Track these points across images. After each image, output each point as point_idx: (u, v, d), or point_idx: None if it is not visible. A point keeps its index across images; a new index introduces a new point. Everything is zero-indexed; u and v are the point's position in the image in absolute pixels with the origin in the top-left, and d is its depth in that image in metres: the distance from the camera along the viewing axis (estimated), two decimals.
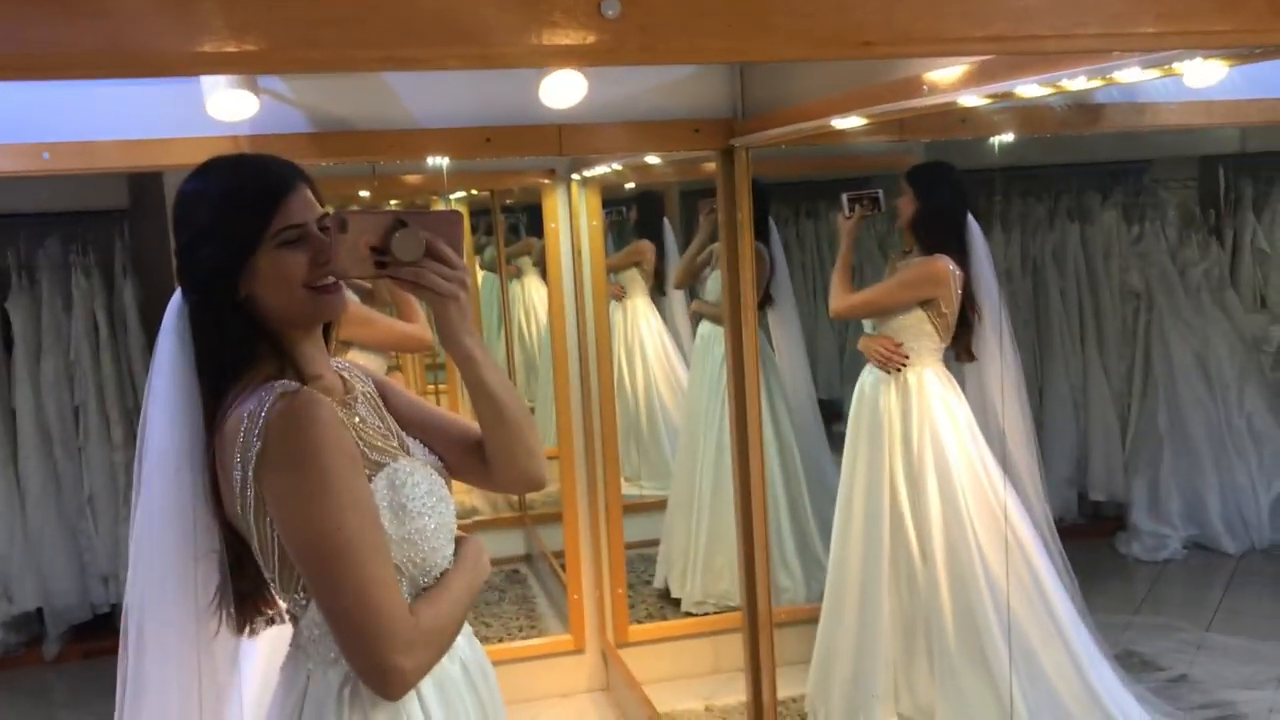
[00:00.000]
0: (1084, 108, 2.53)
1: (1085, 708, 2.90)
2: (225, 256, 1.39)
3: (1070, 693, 2.90)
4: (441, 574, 1.51)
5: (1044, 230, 4.71)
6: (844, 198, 3.16)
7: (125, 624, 1.50)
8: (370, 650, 1.32)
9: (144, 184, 4.24)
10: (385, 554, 1.36)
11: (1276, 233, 4.82)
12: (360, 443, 1.41)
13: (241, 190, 1.41)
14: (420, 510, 1.44)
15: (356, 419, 1.46)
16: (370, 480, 1.40)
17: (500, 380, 1.51)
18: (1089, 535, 4.81)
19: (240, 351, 1.41)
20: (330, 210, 1.45)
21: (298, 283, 1.40)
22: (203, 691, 1.48)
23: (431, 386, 5.41)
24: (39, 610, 4.47)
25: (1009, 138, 2.55)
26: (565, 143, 2.32)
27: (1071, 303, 4.78)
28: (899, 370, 3.05)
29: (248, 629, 1.53)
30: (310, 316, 1.44)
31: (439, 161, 2.79)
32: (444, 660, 1.49)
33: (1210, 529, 4.70)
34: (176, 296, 1.45)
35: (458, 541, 1.54)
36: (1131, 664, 3.46)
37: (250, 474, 1.33)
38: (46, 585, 4.42)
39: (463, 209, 4.76)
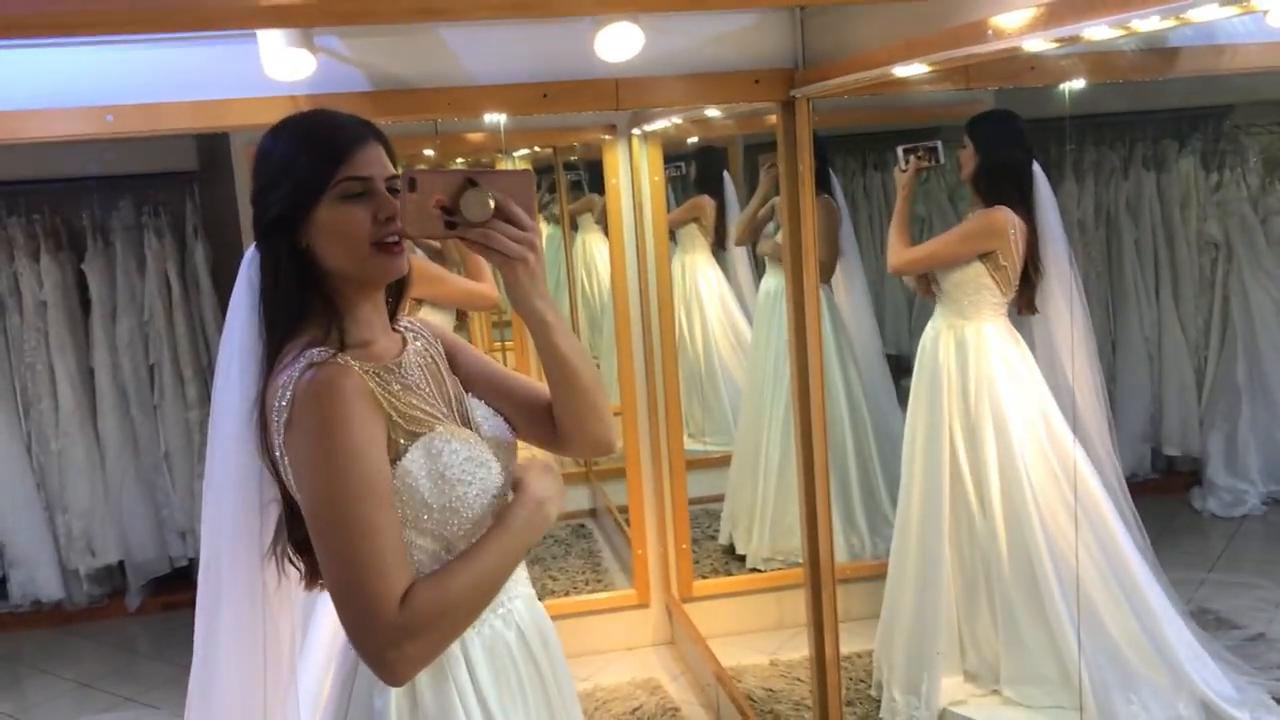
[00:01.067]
0: (1158, 51, 2.44)
1: (1152, 665, 2.85)
2: (288, 204, 1.40)
3: (1136, 650, 2.86)
4: None
5: (1118, 179, 4.58)
6: (899, 150, 3.09)
7: (201, 573, 1.53)
8: (359, 637, 1.33)
9: (213, 146, 4.30)
10: (384, 537, 1.33)
11: None
12: (394, 413, 1.41)
13: (310, 139, 1.41)
14: (460, 477, 1.42)
15: (397, 386, 1.44)
16: (407, 450, 1.40)
17: (572, 344, 1.48)
18: (1163, 491, 4.71)
19: (294, 304, 1.41)
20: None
21: (360, 238, 1.40)
22: (266, 638, 1.51)
23: (499, 344, 5.45)
24: (120, 564, 4.62)
25: (1080, 84, 2.46)
26: (622, 97, 2.29)
27: (1146, 254, 4.65)
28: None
29: (317, 582, 1.52)
30: (371, 274, 1.43)
31: (496, 118, 2.78)
32: (498, 626, 1.49)
33: None
34: (251, 249, 1.46)
35: (518, 486, 1.50)
36: (1206, 621, 3.39)
37: (280, 441, 1.36)
38: (127, 539, 4.56)
39: (526, 166, 4.76)
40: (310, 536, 1.37)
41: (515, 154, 4.83)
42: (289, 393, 1.34)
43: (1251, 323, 4.67)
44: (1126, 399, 4.69)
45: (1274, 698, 3.05)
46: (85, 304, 4.54)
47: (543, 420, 1.57)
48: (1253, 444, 4.68)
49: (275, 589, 1.51)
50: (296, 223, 1.40)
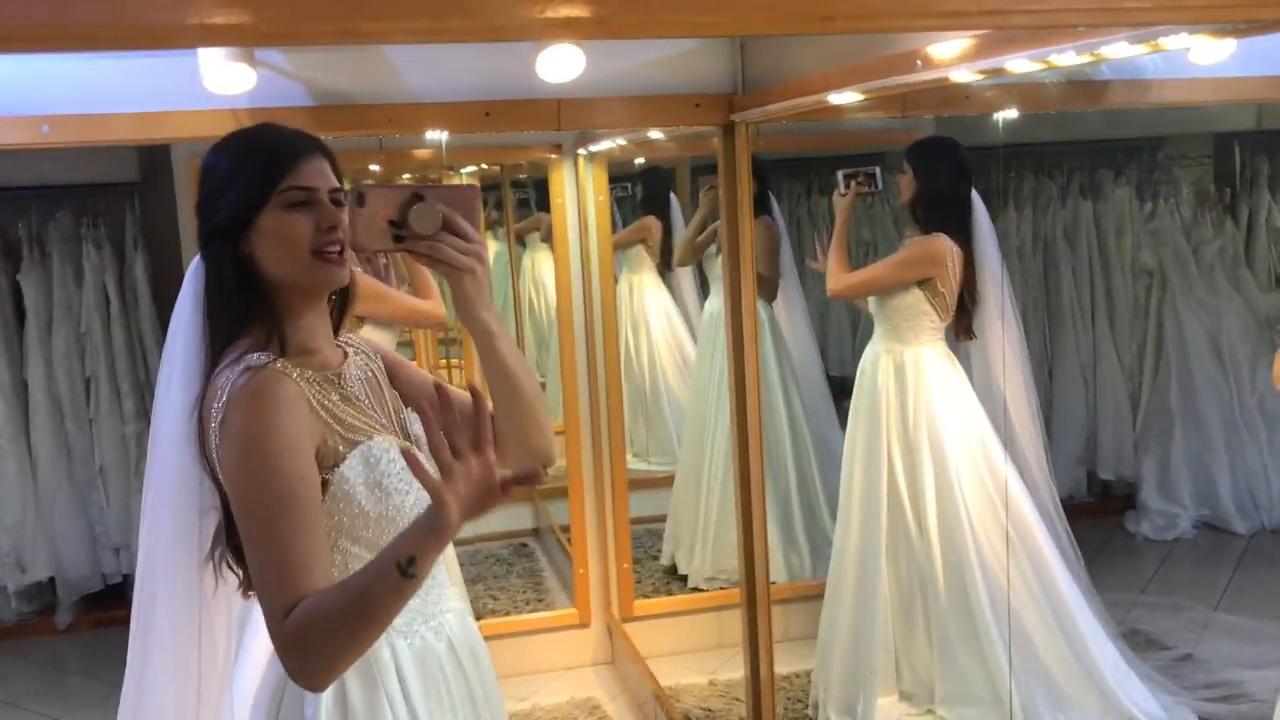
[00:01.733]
0: (1086, 84, 2.50)
1: (1081, 686, 2.91)
2: (232, 212, 1.42)
3: (1065, 671, 2.91)
4: None
5: (1055, 208, 4.68)
6: (839, 174, 3.12)
7: (138, 578, 1.54)
8: (272, 636, 1.34)
9: (154, 157, 4.25)
10: (294, 545, 1.33)
11: None
12: (331, 420, 1.42)
13: (256, 149, 1.43)
14: (397, 487, 1.44)
15: (336, 396, 1.46)
16: (345, 458, 1.41)
17: (515, 356, 1.51)
18: (1098, 514, 4.79)
19: (236, 311, 1.43)
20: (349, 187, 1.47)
21: (301, 246, 1.42)
22: (201, 649, 1.51)
23: (444, 361, 5.43)
24: (51, 580, 4.52)
25: (1012, 114, 2.52)
26: (564, 117, 2.31)
27: (1083, 281, 4.75)
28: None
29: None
30: (312, 281, 1.45)
31: (439, 136, 2.78)
32: (429, 637, 1.50)
33: (1221, 509, 4.68)
34: (196, 259, 1.48)
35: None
36: (1137, 642, 3.45)
37: (216, 443, 1.37)
38: (59, 555, 4.47)
39: (473, 183, 4.75)
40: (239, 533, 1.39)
41: (463, 170, 4.84)
42: (225, 395, 1.36)
43: (1185, 349, 4.78)
44: (1063, 423, 4.77)
45: (1200, 717, 3.12)
46: (20, 315, 4.46)
47: None
48: (1184, 469, 4.78)
49: (212, 595, 1.51)
50: (239, 230, 1.42)
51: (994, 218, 4.57)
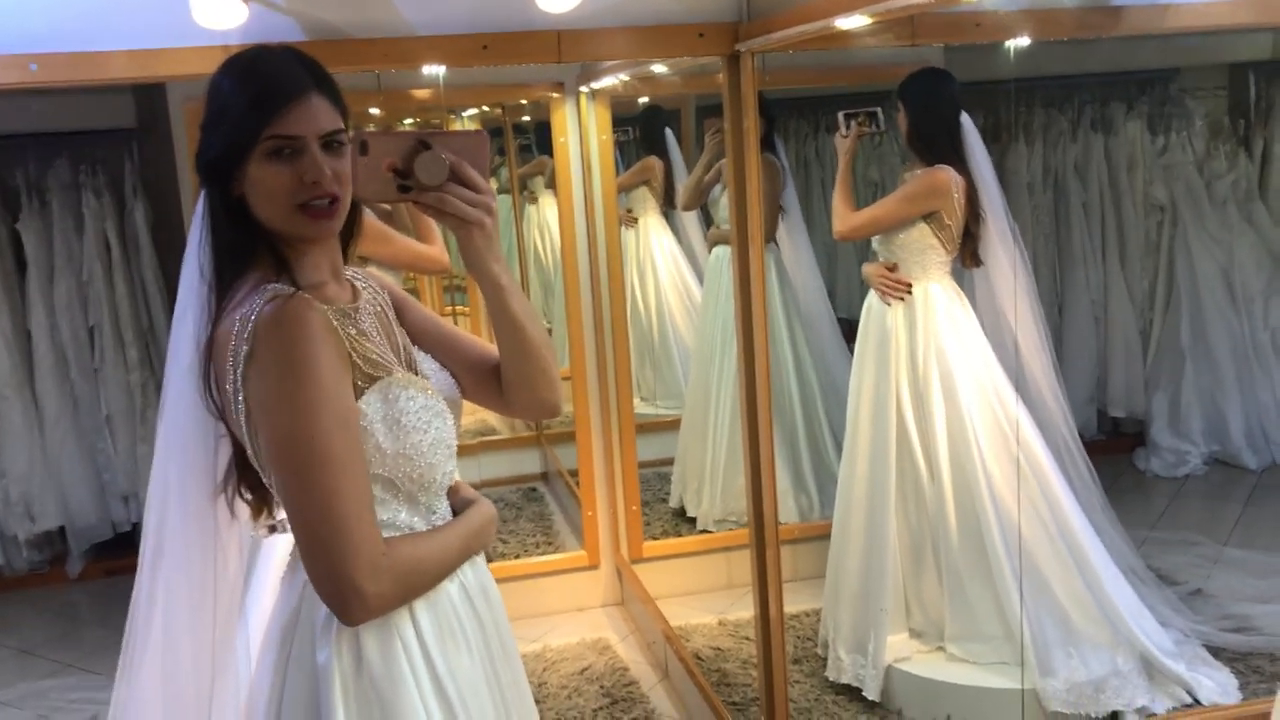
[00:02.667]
0: (1101, 9, 2.44)
1: (1093, 621, 2.90)
2: (221, 153, 1.37)
3: (1078, 607, 2.90)
4: (443, 493, 1.50)
5: (1066, 141, 4.61)
6: (840, 115, 3.07)
7: (149, 509, 1.49)
8: (331, 567, 1.29)
9: (152, 102, 4.20)
10: (362, 471, 1.33)
11: None
12: (354, 354, 1.39)
13: (243, 90, 1.37)
14: (415, 425, 1.41)
15: (354, 330, 1.42)
16: (363, 393, 1.37)
17: (524, 308, 1.48)
18: (1108, 451, 4.77)
19: (237, 247, 1.39)
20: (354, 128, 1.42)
21: (282, 199, 1.37)
22: (216, 582, 1.48)
23: (450, 308, 5.40)
24: (61, 529, 4.54)
25: (1024, 41, 2.45)
26: (565, 49, 2.25)
27: (1094, 216, 4.69)
28: (900, 300, 3.00)
29: (265, 515, 1.52)
30: (296, 236, 1.40)
31: (436, 70, 2.72)
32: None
33: (1231, 444, 4.66)
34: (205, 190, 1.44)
35: (470, 503, 1.52)
36: (1148, 578, 3.44)
37: (239, 377, 1.32)
38: (67, 505, 4.48)
39: (477, 127, 4.69)
40: (275, 474, 1.33)
41: (464, 114, 4.77)
42: (250, 327, 1.30)
43: (1195, 286, 4.73)
44: (1073, 361, 4.73)
45: (1210, 650, 3.12)
46: (21, 264, 4.43)
47: (489, 381, 1.56)
48: (1195, 406, 4.75)
49: (227, 527, 1.48)
50: (230, 171, 1.38)
51: (1004, 152, 4.54)
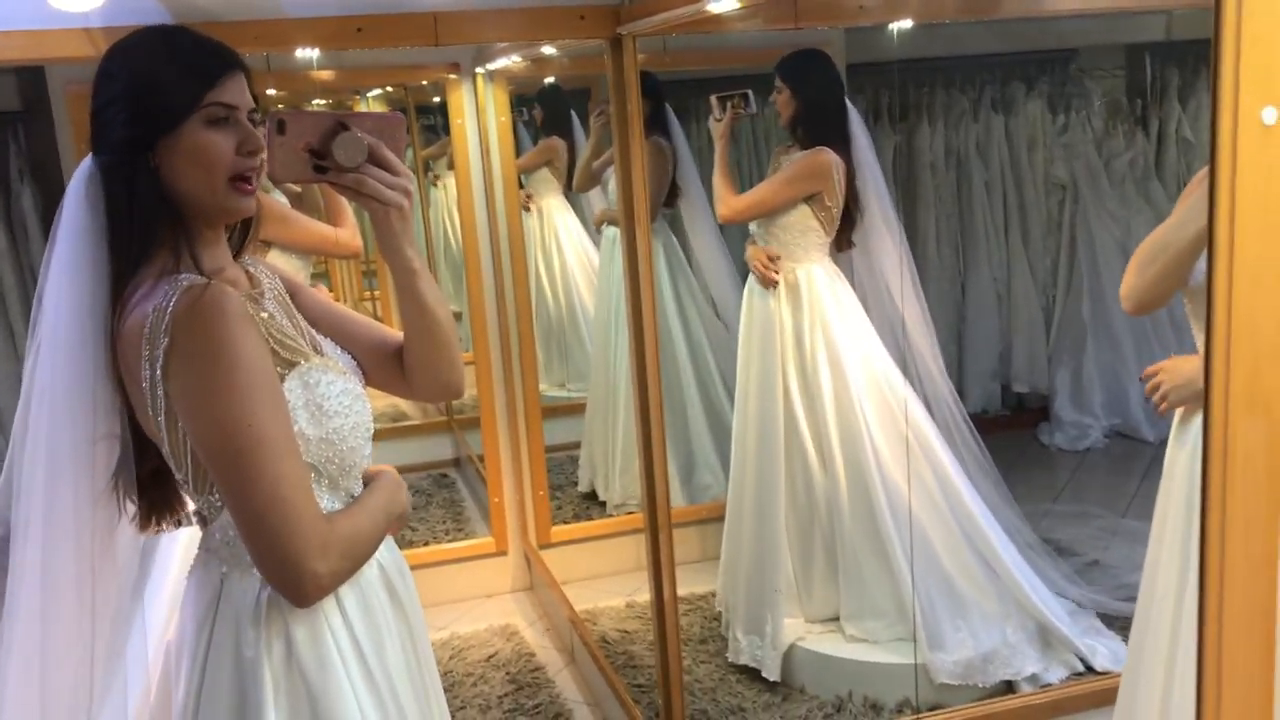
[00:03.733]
0: None
1: (983, 593, 2.95)
2: (147, 121, 1.32)
3: (968, 579, 2.95)
4: (360, 476, 1.48)
5: (968, 122, 4.66)
6: (712, 99, 3.06)
7: (12, 514, 1.41)
8: (284, 553, 1.27)
9: (35, 85, 4.06)
10: (298, 454, 1.32)
11: (1201, 122, 4.80)
12: (270, 340, 1.36)
13: (179, 56, 1.33)
14: (336, 410, 1.40)
15: (265, 314, 1.40)
16: (284, 379, 1.35)
17: (434, 293, 1.48)
18: (1012, 426, 4.86)
19: (148, 228, 1.34)
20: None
21: (221, 168, 1.34)
22: (98, 582, 1.43)
23: (367, 293, 5.33)
24: None
25: (907, 24, 2.46)
26: (441, 31, 2.21)
27: (996, 195, 4.75)
28: (774, 286, 3.02)
29: (154, 524, 1.48)
30: (223, 209, 1.37)
31: (310, 54, 2.67)
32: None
33: (1131, 418, 4.78)
34: (86, 162, 1.37)
35: (374, 474, 1.51)
36: (1047, 550, 3.51)
37: (159, 373, 1.28)
38: None
39: (379, 109, 4.62)
40: (211, 464, 1.29)
41: (368, 95, 4.69)
42: (167, 318, 1.26)
43: (1095, 263, 4.82)
44: (976, 338, 4.81)
45: (1105, 619, 3.19)
46: None
47: (389, 363, 1.56)
48: (1097, 380, 4.85)
49: (114, 529, 1.44)
50: (151, 142, 1.33)
51: (910, 132, 4.58)
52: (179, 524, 1.50)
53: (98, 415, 1.36)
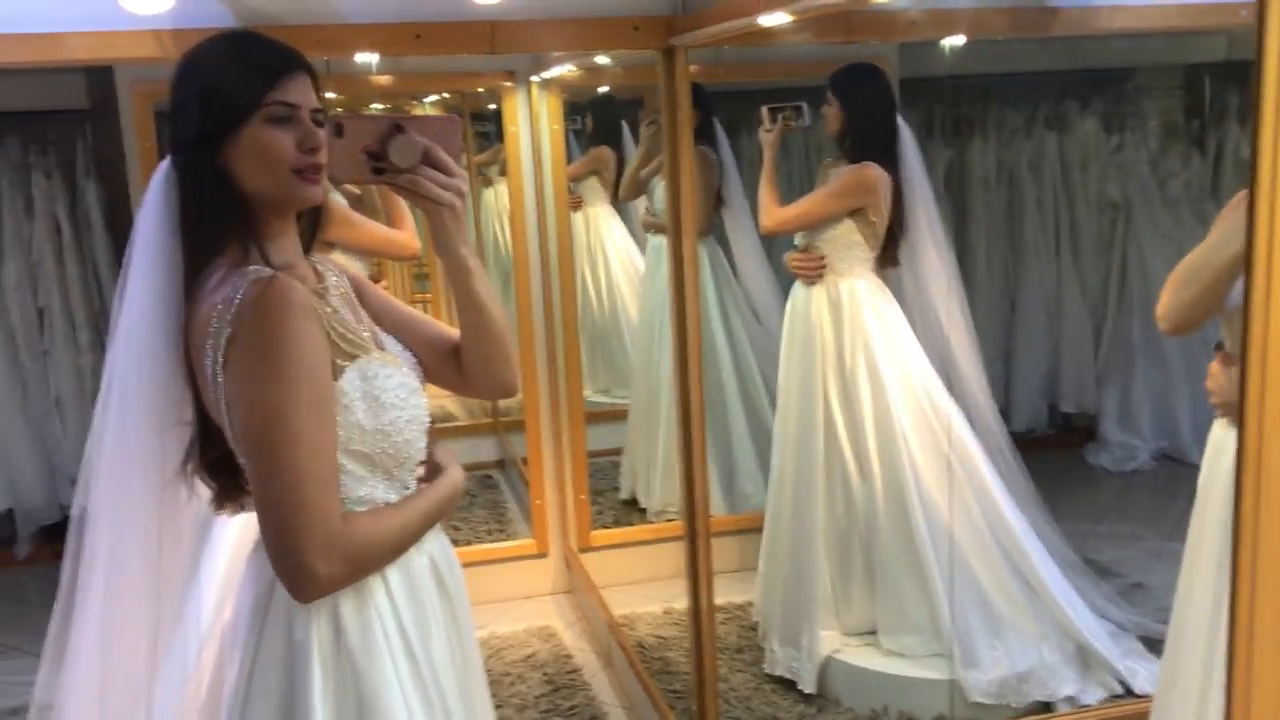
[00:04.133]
0: (1040, 10, 2.45)
1: (1020, 613, 2.93)
2: (214, 120, 1.38)
3: (1006, 599, 2.93)
4: (415, 468, 1.52)
5: (1020, 139, 4.64)
6: (763, 110, 3.07)
7: (80, 495, 1.48)
8: (287, 545, 1.31)
9: (103, 84, 4.17)
10: (331, 452, 1.35)
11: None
12: (332, 332, 1.41)
13: (243, 57, 1.40)
14: (393, 402, 1.44)
15: (329, 309, 1.45)
16: (343, 371, 1.40)
17: (489, 292, 1.52)
18: (1059, 446, 4.82)
19: (219, 223, 1.40)
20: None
21: (283, 163, 1.39)
22: (163, 567, 1.48)
23: (419, 295, 5.40)
24: (9, 511, 4.51)
25: (959, 40, 2.47)
26: (498, 40, 2.25)
27: (1047, 213, 4.72)
28: (816, 281, 3.01)
29: (219, 510, 1.53)
30: (289, 200, 1.43)
31: (370, 59, 2.73)
32: (411, 553, 1.49)
33: (1180, 440, 4.71)
34: (164, 164, 1.43)
35: (439, 469, 1.54)
36: (1089, 571, 3.48)
37: (220, 361, 1.33)
38: (16, 487, 4.45)
39: (435, 114, 4.68)
40: (244, 447, 1.35)
41: (425, 100, 4.76)
42: (232, 309, 1.32)
43: (1147, 283, 4.77)
44: (1024, 356, 4.78)
45: (1146, 642, 3.16)
46: None
47: (447, 361, 1.60)
48: (1145, 401, 4.80)
49: (181, 511, 1.49)
50: (219, 140, 1.38)
51: (963, 148, 4.57)
52: (242, 509, 1.54)
53: (169, 404, 1.43)
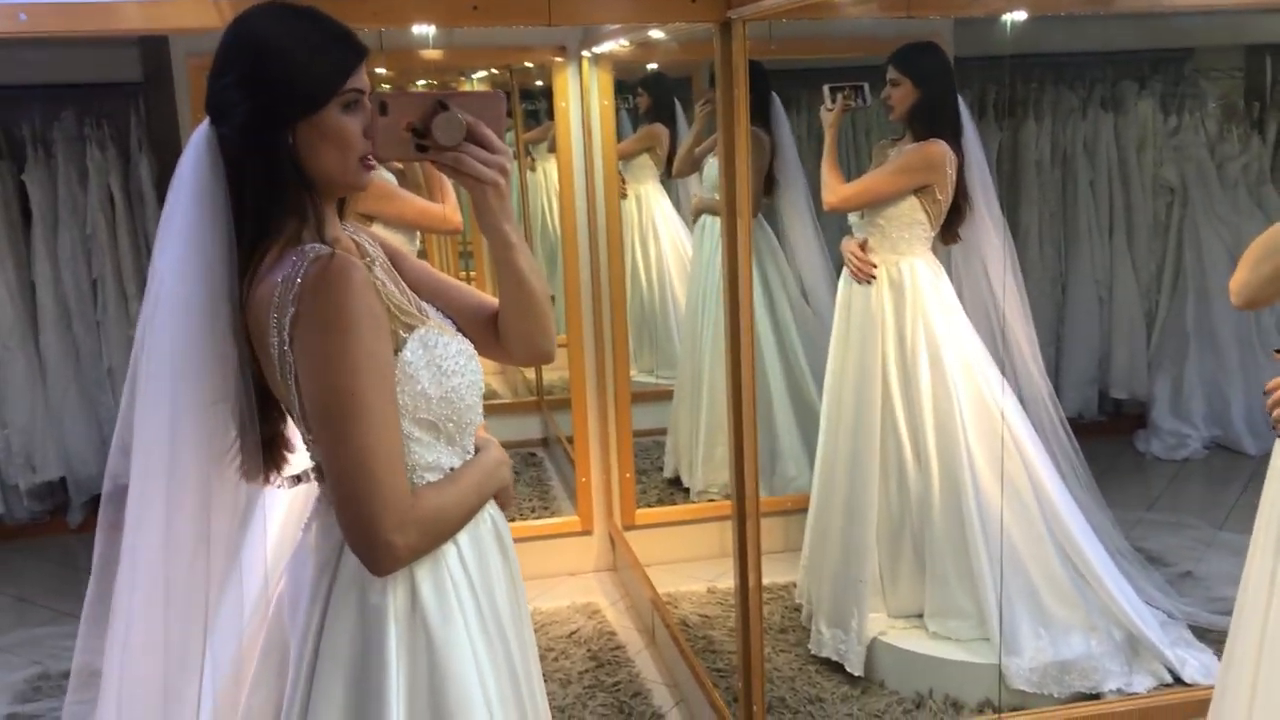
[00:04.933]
0: None
1: (1067, 603, 2.90)
2: (292, 102, 1.38)
3: (1053, 588, 2.90)
4: (474, 431, 1.53)
5: (1076, 119, 4.56)
6: (825, 89, 3.04)
7: (131, 470, 1.46)
8: (363, 521, 1.33)
9: (158, 56, 4.20)
10: (395, 426, 1.37)
11: None
12: (390, 306, 1.42)
13: (323, 41, 1.40)
14: (454, 369, 1.46)
15: (378, 281, 1.45)
16: (405, 342, 1.41)
17: (531, 266, 1.53)
18: (1109, 433, 4.76)
19: (285, 197, 1.40)
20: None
21: (354, 150, 1.41)
22: (215, 538, 1.48)
23: (464, 273, 5.41)
24: (62, 480, 4.58)
25: (1021, 16, 2.42)
26: (555, 11, 2.23)
27: (1102, 195, 4.65)
28: (871, 280, 2.99)
29: (273, 476, 1.54)
30: (351, 185, 1.45)
31: (427, 30, 2.72)
32: (477, 516, 1.51)
33: (1232, 429, 4.64)
34: (204, 129, 1.41)
35: (480, 445, 1.55)
36: (1139, 559, 3.44)
37: (286, 338, 1.34)
38: (69, 455, 4.52)
39: (486, 88, 4.68)
40: (315, 428, 1.37)
41: (473, 76, 4.76)
42: (295, 288, 1.33)
43: (1203, 268, 4.69)
44: (1075, 341, 4.71)
45: (1194, 630, 3.12)
46: (26, 215, 4.45)
47: (486, 329, 1.62)
48: (1198, 389, 4.72)
49: (233, 485, 1.49)
50: (293, 122, 1.38)
51: (1017, 128, 4.50)
52: (297, 481, 1.55)
53: (224, 378, 1.42)
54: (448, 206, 3.27)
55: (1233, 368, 4.65)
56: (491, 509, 1.56)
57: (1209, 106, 4.66)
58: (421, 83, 4.42)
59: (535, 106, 4.80)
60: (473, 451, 1.53)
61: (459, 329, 1.59)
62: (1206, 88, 4.69)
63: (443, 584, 1.45)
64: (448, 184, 3.26)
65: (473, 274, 5.39)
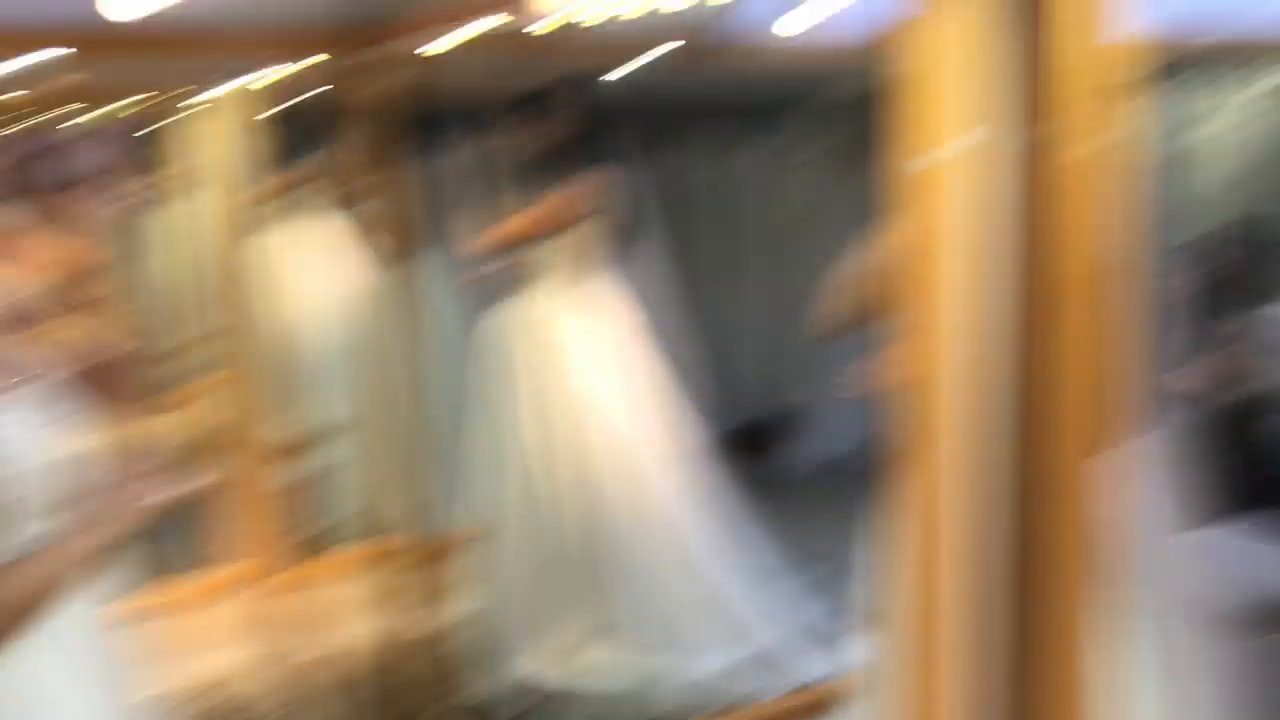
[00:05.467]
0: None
1: (705, 621, 3.04)
2: None
3: (690, 609, 3.03)
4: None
5: (702, 162, 4.83)
6: (465, 130, 3.10)
7: None
8: None
9: None
10: None
11: None
12: None
13: None
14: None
15: None
16: None
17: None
18: (749, 451, 5.00)
19: None
20: None
21: None
22: None
23: None
24: None
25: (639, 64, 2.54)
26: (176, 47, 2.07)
27: (729, 231, 4.95)
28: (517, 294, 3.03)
29: None
30: None
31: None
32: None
33: (860, 444, 4.96)
34: None
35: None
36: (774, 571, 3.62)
37: None
38: None
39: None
40: None
41: (96, 113, 4.42)
42: None
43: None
44: (732, 359, 4.93)
45: (823, 636, 3.31)
46: None
47: None
48: (826, 408, 5.04)
49: None
50: None
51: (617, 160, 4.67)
52: None
53: None
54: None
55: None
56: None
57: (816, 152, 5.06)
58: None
59: (163, 145, 4.52)
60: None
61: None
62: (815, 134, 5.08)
63: None
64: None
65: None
